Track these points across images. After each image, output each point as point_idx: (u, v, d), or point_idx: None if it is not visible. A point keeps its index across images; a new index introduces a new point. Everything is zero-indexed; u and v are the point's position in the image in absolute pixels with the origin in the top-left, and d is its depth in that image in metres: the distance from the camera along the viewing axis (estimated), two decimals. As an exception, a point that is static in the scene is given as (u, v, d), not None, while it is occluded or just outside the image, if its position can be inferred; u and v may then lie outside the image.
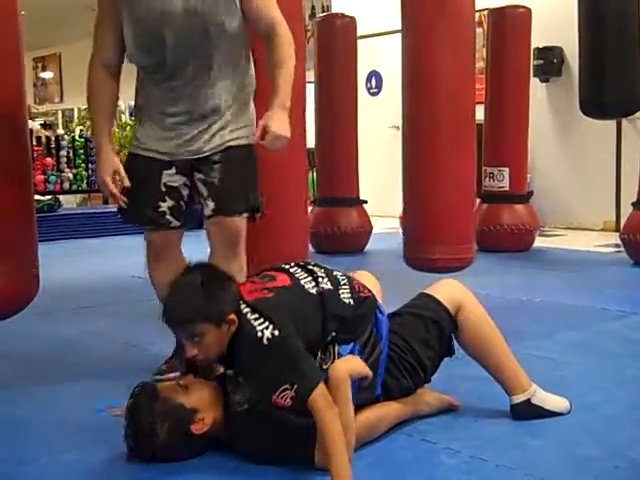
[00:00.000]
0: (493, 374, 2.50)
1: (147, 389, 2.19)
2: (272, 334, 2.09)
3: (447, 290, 2.51)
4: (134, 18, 2.58)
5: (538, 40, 7.35)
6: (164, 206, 2.72)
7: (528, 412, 2.45)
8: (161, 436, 2.12)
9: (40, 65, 18.00)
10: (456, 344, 2.50)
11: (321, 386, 2.06)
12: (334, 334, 2.27)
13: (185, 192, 2.76)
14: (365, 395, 2.28)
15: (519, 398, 2.45)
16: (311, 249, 5.36)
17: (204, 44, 2.60)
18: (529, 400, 2.45)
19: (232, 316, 2.13)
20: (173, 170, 2.72)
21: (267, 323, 2.10)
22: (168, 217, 2.74)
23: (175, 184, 2.73)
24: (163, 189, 2.72)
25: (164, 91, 2.67)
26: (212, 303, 2.12)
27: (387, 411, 2.35)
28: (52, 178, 8.63)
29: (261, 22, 2.67)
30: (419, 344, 2.41)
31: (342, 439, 2.01)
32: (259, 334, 2.09)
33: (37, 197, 8.18)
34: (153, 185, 2.71)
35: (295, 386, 2.05)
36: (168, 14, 2.55)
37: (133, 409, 2.16)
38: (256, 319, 2.12)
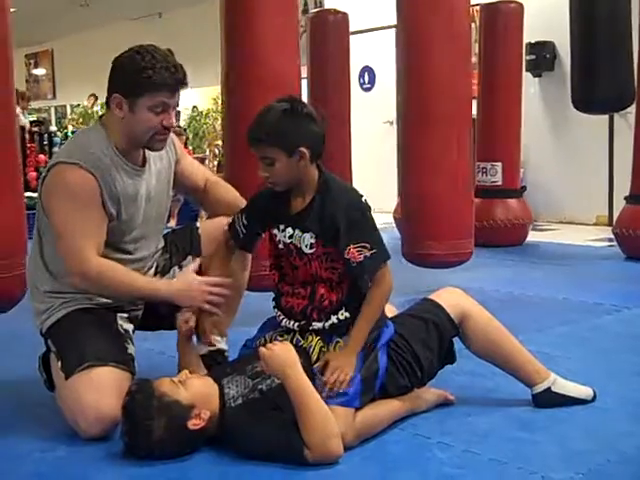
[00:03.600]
0: (511, 373, 2.54)
1: (143, 386, 2.18)
2: (365, 201, 2.32)
3: (450, 297, 2.54)
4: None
5: (530, 35, 7.34)
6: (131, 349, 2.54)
7: (550, 400, 2.48)
8: (158, 433, 2.12)
9: (32, 62, 17.95)
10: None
11: (389, 265, 2.32)
12: (348, 315, 2.30)
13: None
14: (366, 398, 2.29)
15: (539, 388, 2.49)
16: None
17: None
18: (550, 389, 2.48)
19: (304, 149, 2.23)
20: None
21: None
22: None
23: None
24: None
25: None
26: (287, 132, 2.23)
27: (386, 408, 2.36)
28: (45, 175, 8.61)
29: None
30: (419, 344, 2.42)
31: (382, 305, 2.33)
32: (359, 193, 2.32)
33: (30, 194, 8.16)
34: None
35: (374, 250, 2.26)
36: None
37: (129, 406, 2.15)
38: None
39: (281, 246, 2.37)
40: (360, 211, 2.29)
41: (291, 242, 2.34)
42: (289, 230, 2.34)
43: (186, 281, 2.47)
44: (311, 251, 2.30)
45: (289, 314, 2.38)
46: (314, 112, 2.30)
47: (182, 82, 2.44)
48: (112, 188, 2.45)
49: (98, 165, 2.42)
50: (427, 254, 4.29)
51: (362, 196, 2.33)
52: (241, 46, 3.65)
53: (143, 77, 2.37)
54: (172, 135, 2.70)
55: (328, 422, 2.11)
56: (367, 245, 2.25)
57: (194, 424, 2.14)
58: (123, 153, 2.49)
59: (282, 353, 2.17)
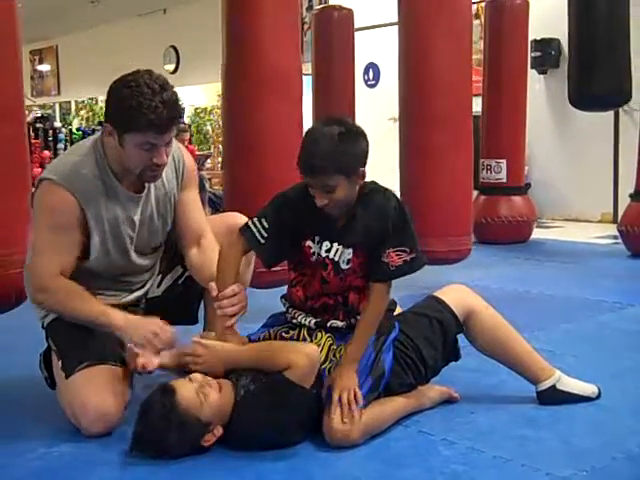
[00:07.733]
0: (515, 370, 2.54)
1: (168, 394, 2.12)
2: (403, 203, 2.32)
3: (455, 295, 2.54)
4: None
5: (536, 32, 7.34)
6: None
7: (555, 398, 2.48)
8: (171, 441, 2.10)
9: (37, 58, 17.93)
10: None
11: None
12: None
13: None
14: (371, 397, 2.29)
15: (544, 385, 2.49)
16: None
17: None
18: (554, 386, 2.48)
19: (363, 169, 2.23)
20: None
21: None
22: None
23: None
24: None
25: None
26: (346, 156, 2.17)
27: (391, 406, 2.36)
28: (50, 171, 8.63)
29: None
30: (423, 341, 2.43)
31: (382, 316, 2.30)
32: (397, 196, 2.33)
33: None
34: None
35: (414, 254, 2.27)
36: None
37: (149, 410, 2.12)
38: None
39: (314, 258, 2.32)
40: (403, 216, 2.29)
41: (327, 256, 2.30)
42: (327, 244, 2.29)
43: (142, 320, 2.40)
44: (348, 266, 2.29)
45: (311, 313, 2.36)
46: (359, 126, 2.27)
47: (171, 122, 2.29)
48: (98, 211, 2.40)
49: (85, 188, 2.37)
50: (425, 251, 4.27)
51: (399, 199, 2.33)
52: (242, 43, 3.65)
53: (129, 116, 2.25)
54: (186, 158, 2.59)
55: (281, 347, 2.21)
56: (407, 249, 2.26)
57: (206, 441, 2.14)
58: (119, 177, 2.43)
59: (208, 357, 2.23)
